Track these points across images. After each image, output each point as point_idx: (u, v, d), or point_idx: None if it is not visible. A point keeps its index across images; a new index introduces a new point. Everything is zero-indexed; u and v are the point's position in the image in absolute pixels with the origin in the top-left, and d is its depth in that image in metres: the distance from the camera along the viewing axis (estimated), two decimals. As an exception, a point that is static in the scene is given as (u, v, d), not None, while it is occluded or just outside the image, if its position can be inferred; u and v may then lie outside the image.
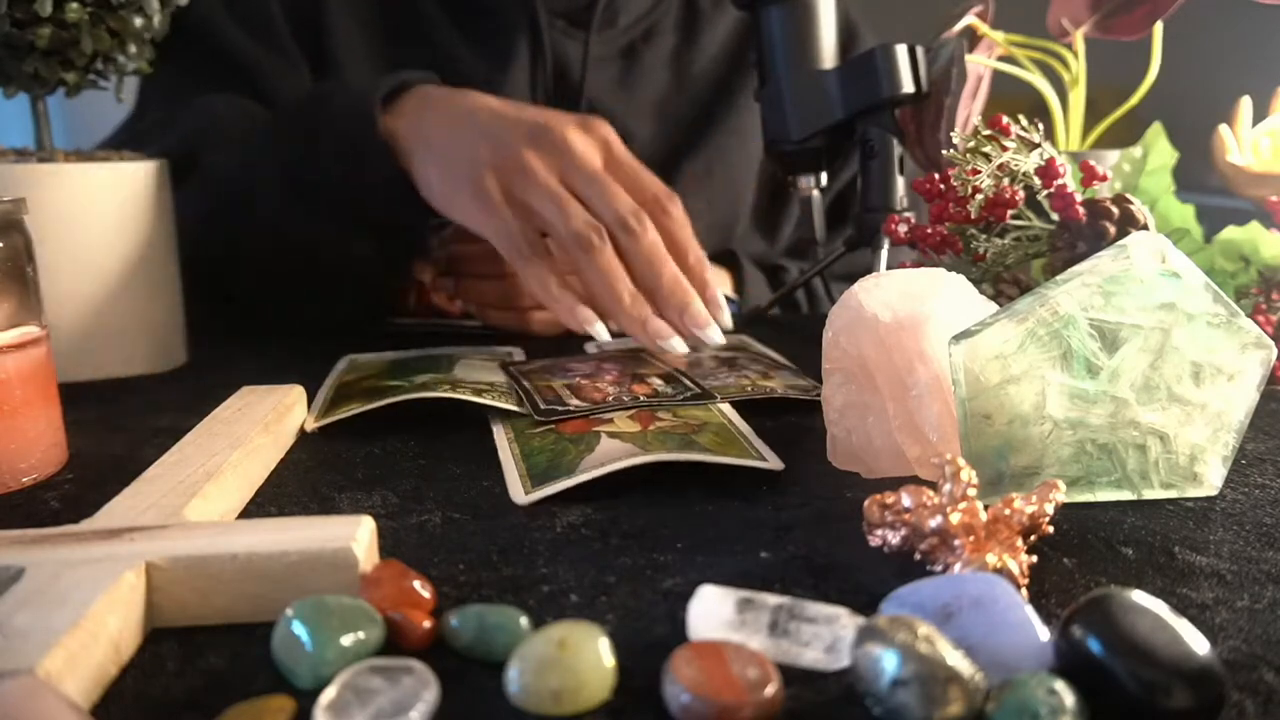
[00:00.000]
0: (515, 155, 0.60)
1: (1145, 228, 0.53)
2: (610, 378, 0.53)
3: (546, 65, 0.86)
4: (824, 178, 0.71)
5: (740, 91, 0.92)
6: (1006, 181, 0.54)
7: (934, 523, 0.31)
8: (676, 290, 0.59)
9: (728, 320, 0.60)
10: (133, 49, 0.58)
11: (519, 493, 0.40)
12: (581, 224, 0.58)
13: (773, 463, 0.42)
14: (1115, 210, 0.54)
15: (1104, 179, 0.56)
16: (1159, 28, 0.66)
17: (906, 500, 0.32)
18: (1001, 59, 0.71)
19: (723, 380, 0.53)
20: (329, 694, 0.25)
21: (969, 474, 0.32)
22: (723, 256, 0.89)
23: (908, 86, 0.64)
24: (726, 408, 0.48)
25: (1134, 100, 0.67)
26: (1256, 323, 0.40)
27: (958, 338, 0.36)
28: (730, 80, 0.93)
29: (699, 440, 0.43)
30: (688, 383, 0.52)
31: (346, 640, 0.27)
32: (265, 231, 0.68)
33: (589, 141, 0.62)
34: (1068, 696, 0.23)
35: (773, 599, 0.28)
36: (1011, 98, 0.88)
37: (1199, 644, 0.24)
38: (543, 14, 0.85)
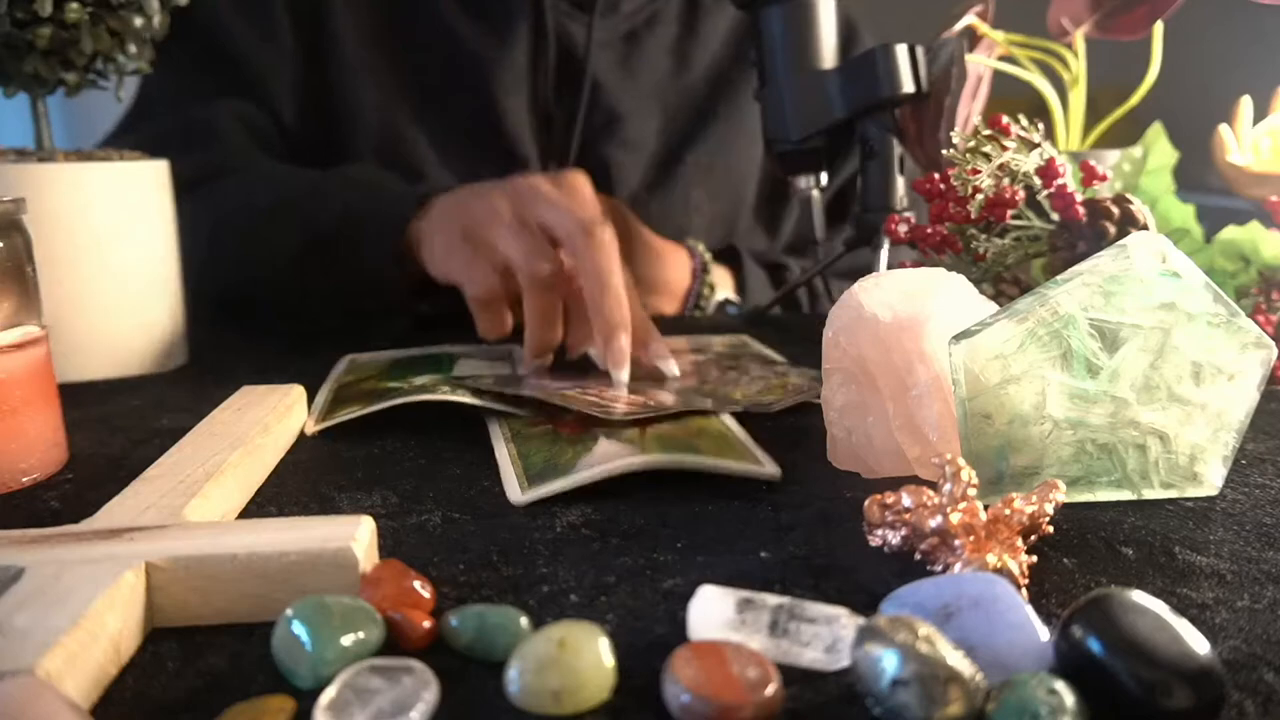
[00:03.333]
0: (488, 203, 0.59)
1: (1145, 228, 0.53)
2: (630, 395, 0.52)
3: (549, 46, 0.86)
4: (824, 177, 0.71)
5: (742, 85, 0.93)
6: (1006, 181, 0.54)
7: (934, 523, 0.31)
8: (619, 311, 0.54)
9: (674, 369, 0.55)
10: (133, 49, 0.58)
11: (515, 492, 0.40)
12: (530, 254, 0.56)
13: (770, 469, 0.42)
14: (1115, 210, 0.54)
15: (1104, 179, 0.56)
16: (1159, 28, 0.66)
17: (906, 500, 0.32)
18: (1001, 59, 0.71)
19: (743, 387, 0.53)
20: (329, 694, 0.25)
21: (969, 474, 0.32)
22: (725, 253, 0.89)
23: (908, 86, 0.64)
24: (726, 414, 0.48)
25: (1134, 100, 0.67)
26: (1256, 323, 0.40)
27: (958, 338, 0.36)
28: (731, 73, 0.93)
29: (697, 444, 0.43)
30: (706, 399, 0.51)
31: (346, 640, 0.27)
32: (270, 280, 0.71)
33: (558, 183, 0.61)
34: (1068, 696, 0.23)
35: (773, 599, 0.28)
36: (1011, 98, 0.88)
37: (1199, 644, 0.24)
38: None
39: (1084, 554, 0.34)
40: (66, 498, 0.41)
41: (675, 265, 0.83)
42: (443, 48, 0.85)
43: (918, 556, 0.32)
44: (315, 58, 0.84)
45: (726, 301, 0.85)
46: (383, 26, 0.85)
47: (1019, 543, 0.32)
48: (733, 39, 0.94)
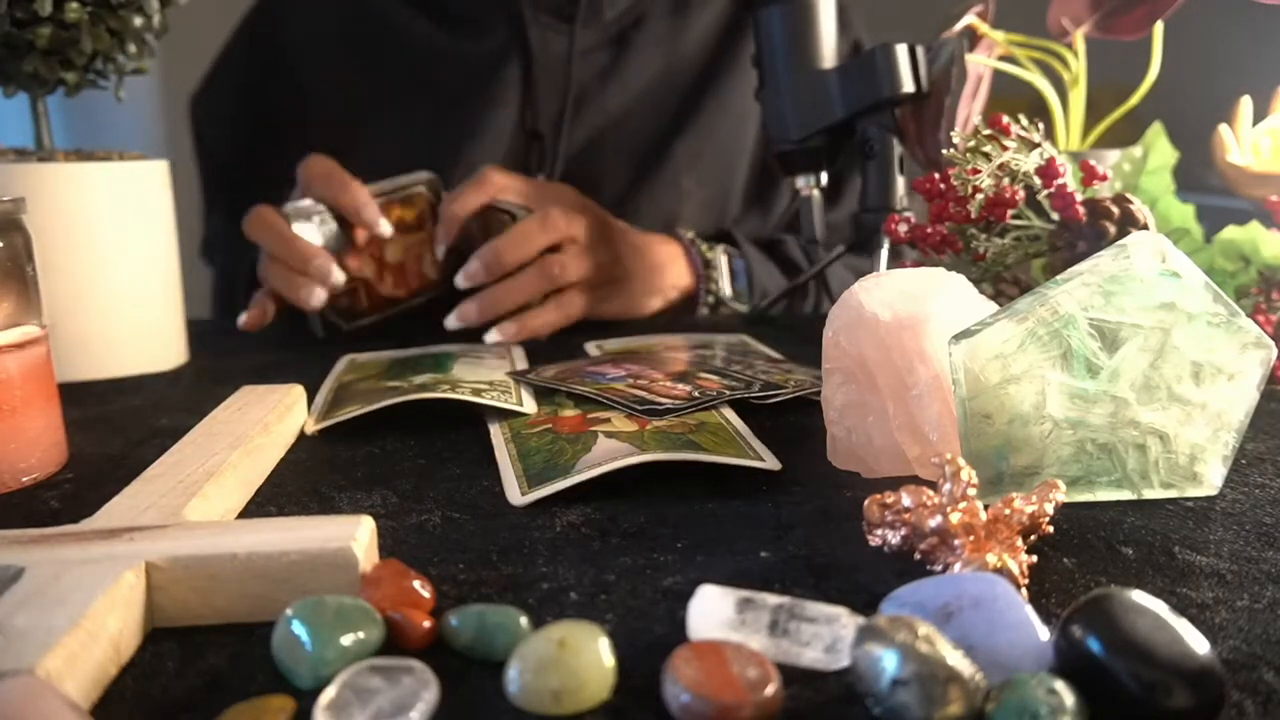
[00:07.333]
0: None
1: (1145, 227, 0.53)
2: (660, 374, 0.53)
3: (534, 62, 0.87)
4: (824, 178, 0.71)
5: (730, 72, 0.93)
6: (1006, 181, 0.54)
7: (934, 523, 0.31)
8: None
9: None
10: (132, 48, 0.58)
11: (515, 494, 0.40)
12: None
13: (770, 463, 0.42)
14: (1115, 210, 0.54)
15: (1104, 179, 0.56)
16: (1159, 28, 0.66)
17: (906, 500, 0.32)
18: (1001, 59, 0.71)
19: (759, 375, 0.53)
20: (329, 694, 0.25)
21: (969, 474, 0.32)
22: (719, 237, 0.89)
23: (908, 86, 0.64)
24: (725, 408, 0.48)
25: (1134, 100, 0.67)
26: (1256, 323, 0.40)
27: (958, 338, 0.36)
28: (720, 61, 0.93)
29: (696, 440, 0.43)
30: (738, 380, 0.52)
31: (346, 640, 0.27)
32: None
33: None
34: (1068, 696, 0.23)
35: (773, 599, 0.28)
36: (1011, 98, 0.87)
37: (1199, 644, 0.24)
38: (526, 9, 0.87)
39: (1084, 554, 0.34)
40: (66, 498, 0.41)
41: (668, 257, 0.82)
42: (429, 79, 0.88)
43: (918, 556, 0.32)
44: (293, 111, 0.89)
45: (726, 254, 0.84)
46: (361, 68, 0.90)
47: (1019, 543, 0.32)
48: (720, 26, 0.94)
